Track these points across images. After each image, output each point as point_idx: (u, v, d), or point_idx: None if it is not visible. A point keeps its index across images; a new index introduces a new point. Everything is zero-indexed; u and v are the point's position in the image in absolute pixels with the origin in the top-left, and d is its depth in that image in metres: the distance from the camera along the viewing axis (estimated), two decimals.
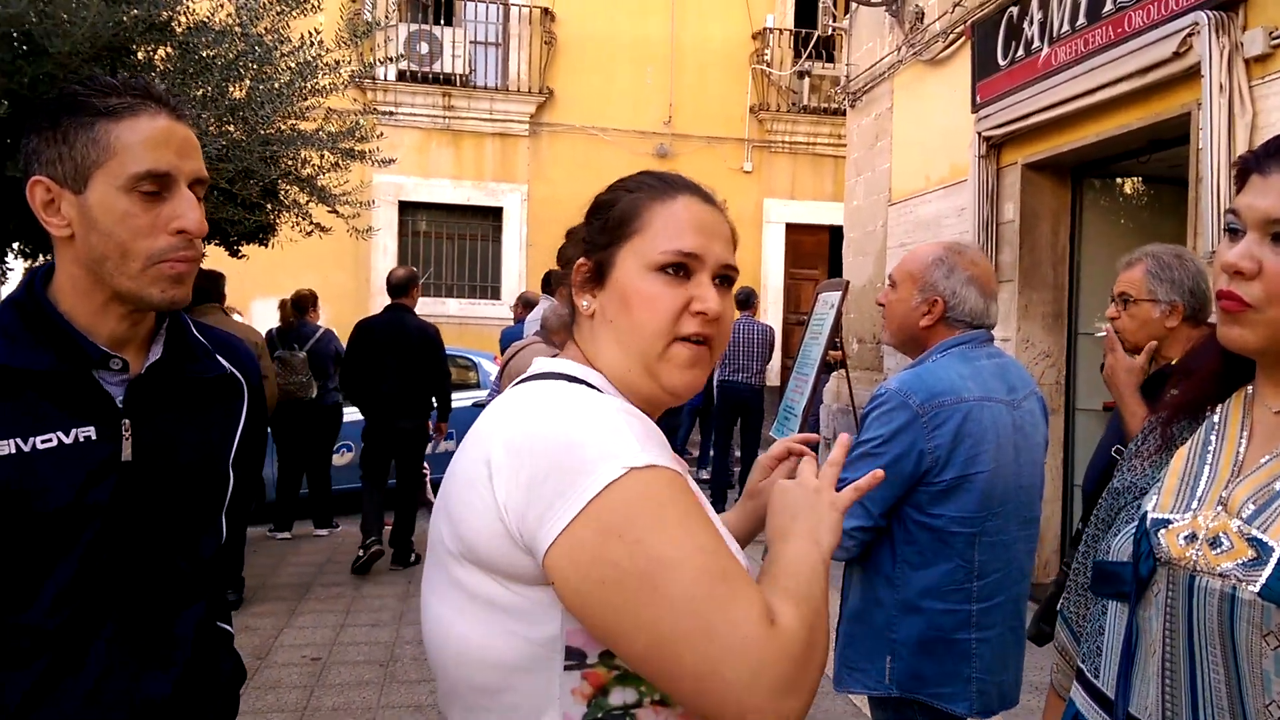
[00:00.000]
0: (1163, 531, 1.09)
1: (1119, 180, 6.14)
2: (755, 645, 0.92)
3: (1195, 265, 2.59)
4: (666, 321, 1.10)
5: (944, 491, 2.07)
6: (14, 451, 1.20)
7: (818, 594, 1.02)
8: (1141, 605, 1.10)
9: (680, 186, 1.17)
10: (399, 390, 6.22)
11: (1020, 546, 2.18)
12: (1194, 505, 1.11)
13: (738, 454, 8.94)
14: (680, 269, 1.11)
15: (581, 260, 1.17)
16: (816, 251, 13.89)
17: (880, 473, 1.18)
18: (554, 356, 1.19)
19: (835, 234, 11.80)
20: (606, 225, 1.16)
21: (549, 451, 0.97)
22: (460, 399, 7.61)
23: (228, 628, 1.49)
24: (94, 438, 1.25)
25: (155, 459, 1.29)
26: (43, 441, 1.22)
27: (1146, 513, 1.13)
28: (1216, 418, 1.17)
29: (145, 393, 1.31)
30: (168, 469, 1.31)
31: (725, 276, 1.15)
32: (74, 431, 1.23)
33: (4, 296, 1.35)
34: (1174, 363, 2.58)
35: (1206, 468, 1.13)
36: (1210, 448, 1.15)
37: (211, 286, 5.63)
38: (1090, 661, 1.20)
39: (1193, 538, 1.07)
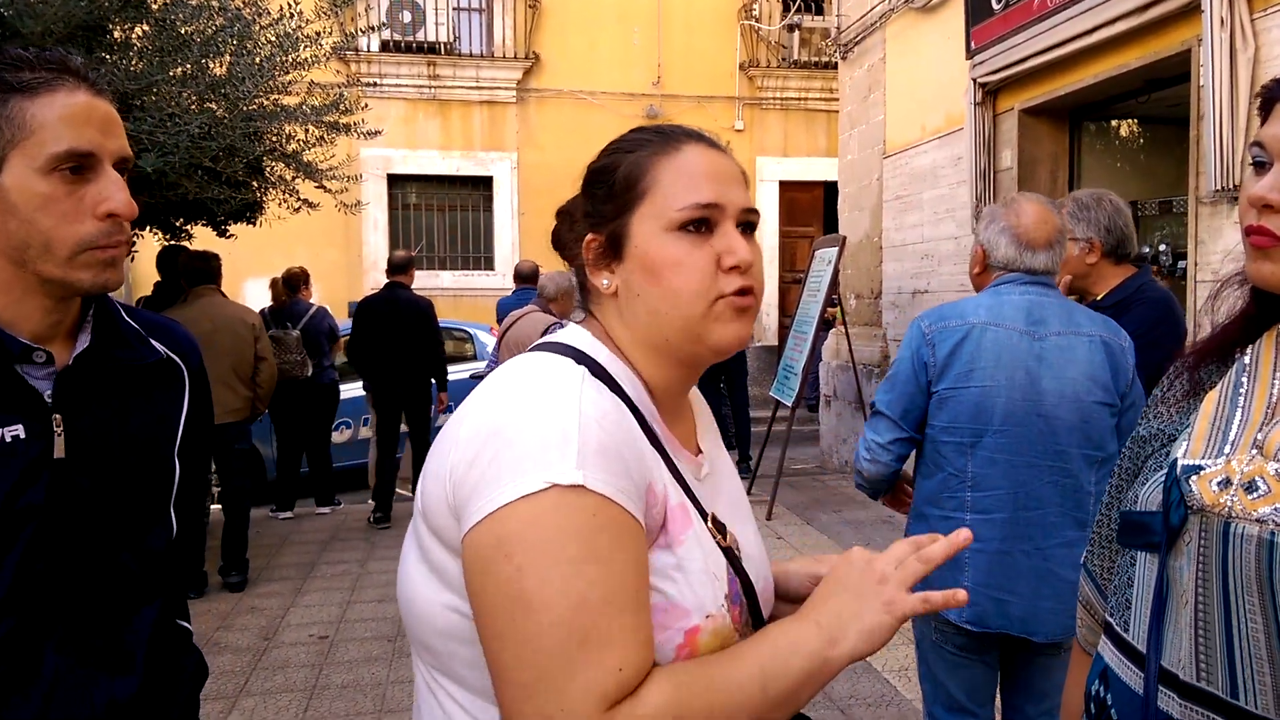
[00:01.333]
0: (1194, 478, 1.05)
1: (1117, 122, 6.07)
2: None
3: (1113, 205, 2.83)
4: (703, 283, 1.02)
5: (939, 402, 2.32)
6: None
7: (745, 701, 0.91)
8: (1172, 555, 1.06)
9: (682, 136, 1.08)
10: (400, 362, 6.70)
11: (1041, 476, 2.25)
12: (1226, 450, 1.06)
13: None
14: (702, 224, 1.03)
15: (591, 236, 1.08)
16: (811, 208, 13.80)
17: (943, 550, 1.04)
18: (555, 323, 1.13)
19: (830, 190, 11.73)
20: (612, 192, 1.06)
21: (491, 438, 0.93)
22: (457, 371, 7.70)
23: (186, 625, 1.44)
24: (22, 436, 1.17)
25: (91, 454, 1.22)
26: None
27: (1176, 460, 1.09)
28: (1247, 359, 1.12)
29: (75, 385, 1.23)
30: (105, 463, 1.24)
31: (748, 223, 1.07)
32: (1, 431, 1.16)
33: None
34: (1099, 298, 2.80)
35: (1239, 411, 1.08)
36: (1242, 390, 1.10)
37: (206, 267, 5.57)
38: (1119, 615, 1.16)
39: (1226, 483, 1.02)
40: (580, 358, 1.03)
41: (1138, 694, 1.08)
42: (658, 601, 0.96)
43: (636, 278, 1.05)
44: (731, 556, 1.05)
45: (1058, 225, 2.38)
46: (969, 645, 2.36)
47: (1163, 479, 1.09)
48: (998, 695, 2.49)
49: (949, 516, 2.28)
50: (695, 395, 1.22)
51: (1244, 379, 1.11)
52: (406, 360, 6.71)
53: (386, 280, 6.90)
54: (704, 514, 1.05)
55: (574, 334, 1.09)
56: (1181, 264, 5.61)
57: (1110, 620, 1.18)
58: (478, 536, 0.91)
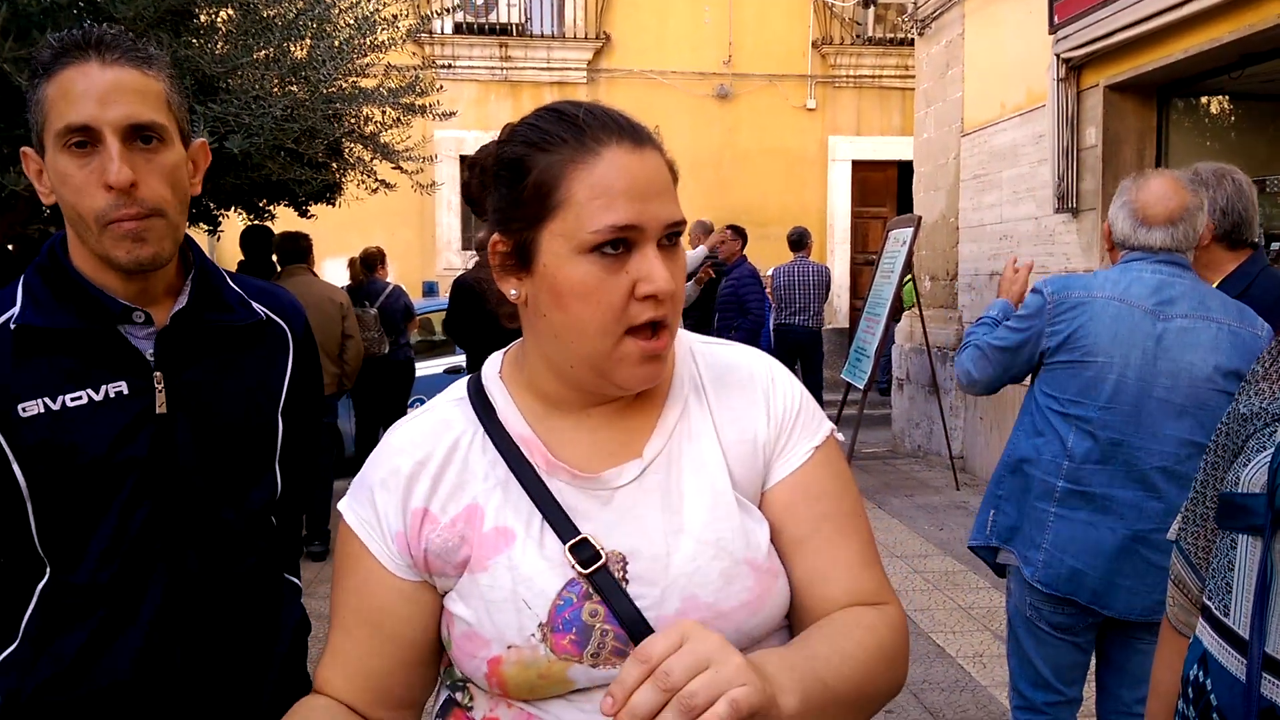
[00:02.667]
0: None
1: (1206, 99, 5.85)
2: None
3: (1235, 184, 2.55)
4: (612, 315, 0.93)
5: (1051, 370, 2.33)
6: (43, 411, 1.21)
7: None
8: (1278, 540, 1.03)
9: (600, 135, 0.95)
10: (485, 334, 6.71)
11: (1143, 458, 2.21)
12: None
13: None
14: (620, 244, 0.93)
15: (496, 237, 0.99)
16: (885, 188, 13.57)
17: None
18: None
19: (904, 169, 11.52)
20: (521, 199, 0.96)
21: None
22: (431, 366, 8.12)
23: (294, 580, 1.49)
24: (126, 393, 1.24)
25: (191, 410, 1.28)
26: (72, 399, 1.22)
27: None
28: None
29: (175, 344, 1.29)
30: (206, 419, 1.30)
31: (674, 234, 0.97)
32: (104, 388, 1.23)
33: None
34: (1214, 287, 2.49)
35: None
36: None
37: (297, 247, 5.79)
38: (1218, 599, 1.13)
39: None
40: (474, 380, 1.10)
41: (1239, 680, 1.05)
42: (461, 629, 0.99)
43: (544, 298, 0.96)
44: (601, 580, 0.95)
45: (1185, 202, 2.28)
46: (1062, 624, 2.34)
47: (1268, 460, 1.06)
48: (1091, 680, 2.45)
49: (1044, 479, 2.29)
50: (689, 374, 1.09)
51: None
52: (495, 337, 6.87)
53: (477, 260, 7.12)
54: (567, 535, 0.97)
55: (491, 362, 1.12)
56: (1276, 245, 5.41)
57: (1209, 604, 1.15)
58: None
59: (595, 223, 0.92)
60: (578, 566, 0.96)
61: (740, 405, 1.08)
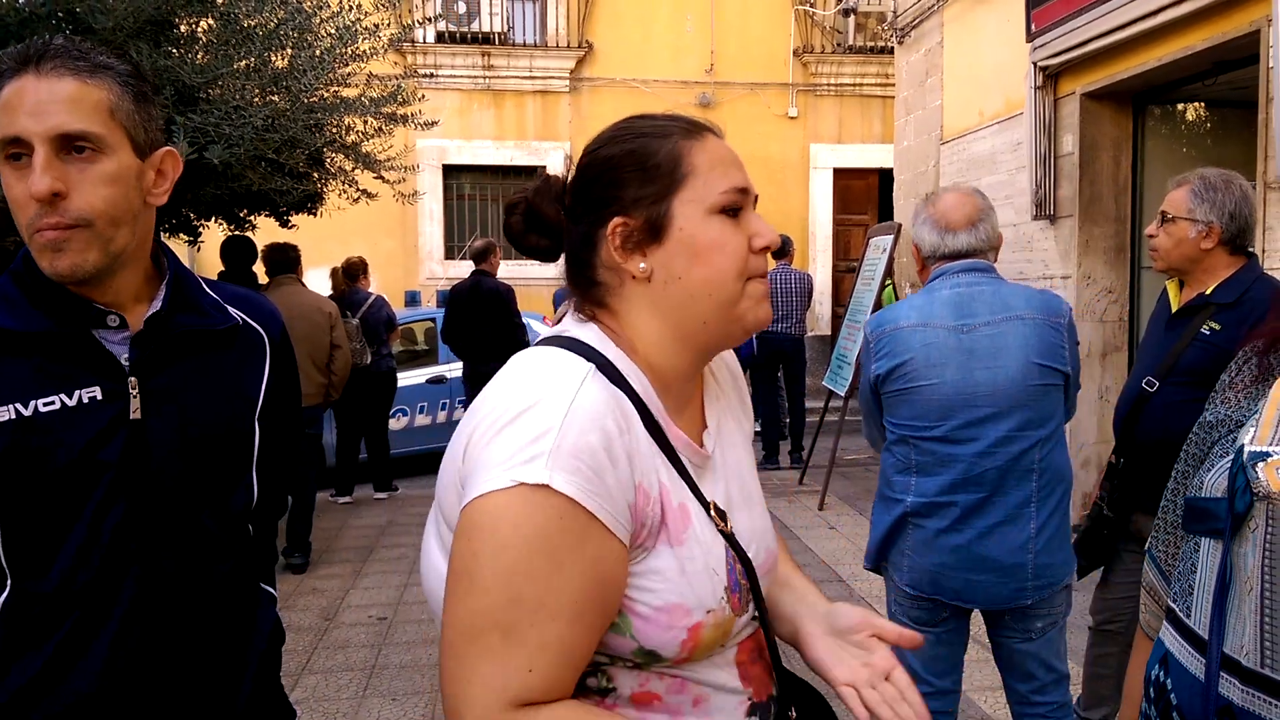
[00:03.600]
0: (1261, 465, 1.04)
1: (1182, 106, 5.91)
2: (480, 712, 0.92)
3: (1242, 190, 2.58)
4: (741, 262, 1.08)
5: (886, 399, 2.49)
6: (14, 417, 1.19)
7: None
8: (1237, 542, 1.05)
9: (701, 126, 1.13)
10: (479, 341, 7.09)
11: (981, 461, 2.37)
12: None
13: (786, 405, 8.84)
14: (735, 209, 1.09)
15: (621, 220, 1.07)
16: (866, 196, 13.64)
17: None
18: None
19: (885, 177, 11.58)
20: (654, 175, 1.07)
21: (489, 428, 0.99)
22: (414, 376, 8.20)
23: (270, 589, 1.47)
24: (99, 397, 1.23)
25: (166, 415, 1.27)
26: (45, 404, 1.21)
27: (1243, 446, 1.08)
28: None
29: (149, 348, 1.28)
30: (181, 424, 1.29)
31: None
32: (77, 393, 1.22)
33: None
34: (1209, 292, 2.52)
35: None
36: None
37: (286, 258, 5.80)
38: (1181, 600, 1.16)
39: None
40: (589, 353, 1.05)
41: (1198, 679, 1.07)
42: (662, 601, 1.00)
43: (679, 261, 1.07)
44: (733, 541, 1.09)
45: (978, 205, 2.46)
46: (920, 618, 2.48)
47: (1229, 465, 1.09)
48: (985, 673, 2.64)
49: (897, 498, 2.46)
50: (708, 366, 1.23)
51: None
52: (489, 344, 6.96)
53: (474, 268, 7.28)
54: (706, 504, 1.08)
55: (581, 330, 1.10)
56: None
57: (1173, 606, 1.17)
58: (460, 519, 0.98)
59: (722, 184, 1.08)
60: (722, 528, 1.09)
61: (734, 387, 1.28)
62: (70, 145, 1.19)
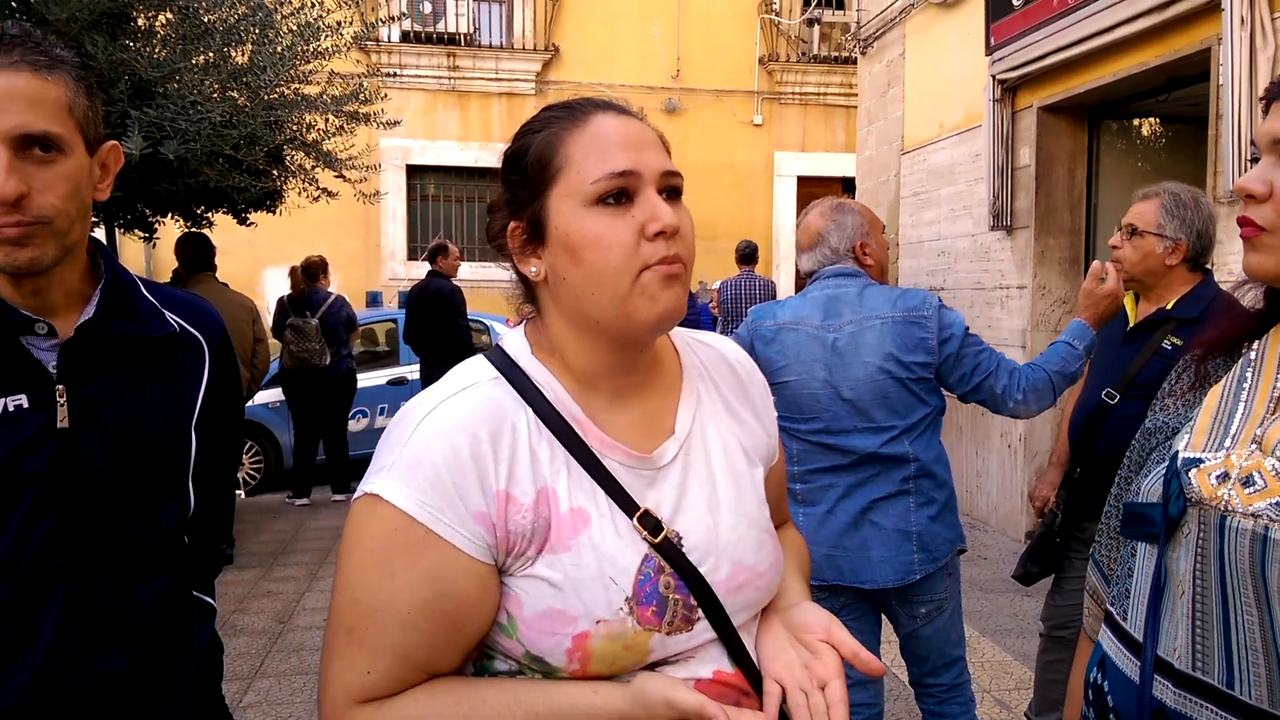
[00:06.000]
0: (1194, 471, 1.06)
1: (1136, 121, 6.02)
2: (331, 706, 0.98)
3: (1209, 210, 2.64)
4: (625, 257, 0.99)
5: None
6: None
7: None
8: (1171, 546, 1.07)
9: (589, 107, 1.05)
10: (431, 343, 7.05)
11: (855, 448, 2.51)
12: (1226, 444, 1.07)
13: None
14: (622, 195, 1.00)
15: (512, 224, 1.05)
16: None
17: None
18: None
19: (848, 186, 11.69)
20: (526, 175, 1.04)
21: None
22: (374, 377, 8.19)
23: (208, 599, 1.44)
24: (25, 406, 1.20)
25: (96, 424, 1.24)
26: None
27: (1178, 452, 1.10)
28: (1254, 354, 1.12)
29: (80, 356, 1.25)
30: (112, 433, 1.25)
31: (672, 189, 1.04)
32: (2, 401, 1.19)
33: None
34: (1170, 307, 2.57)
35: (1241, 405, 1.09)
36: (1245, 385, 1.10)
37: (200, 255, 5.76)
38: (1119, 604, 1.17)
39: (1225, 477, 1.03)
40: (503, 360, 1.06)
41: (1133, 681, 1.09)
42: (543, 607, 0.99)
43: (561, 261, 1.02)
44: (667, 551, 1.02)
45: (818, 228, 2.65)
46: (826, 604, 2.58)
47: (1164, 471, 1.10)
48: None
49: (790, 488, 2.55)
50: (694, 363, 1.18)
51: (1248, 373, 1.11)
52: (439, 346, 6.94)
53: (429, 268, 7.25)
54: (631, 510, 1.03)
55: (511, 334, 1.11)
56: (1209, 267, 5.58)
57: (1110, 609, 1.19)
58: None
59: (595, 173, 1.00)
60: (648, 537, 1.02)
61: (740, 395, 1.20)
62: (31, 144, 1.17)
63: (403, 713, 0.97)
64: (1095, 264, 2.61)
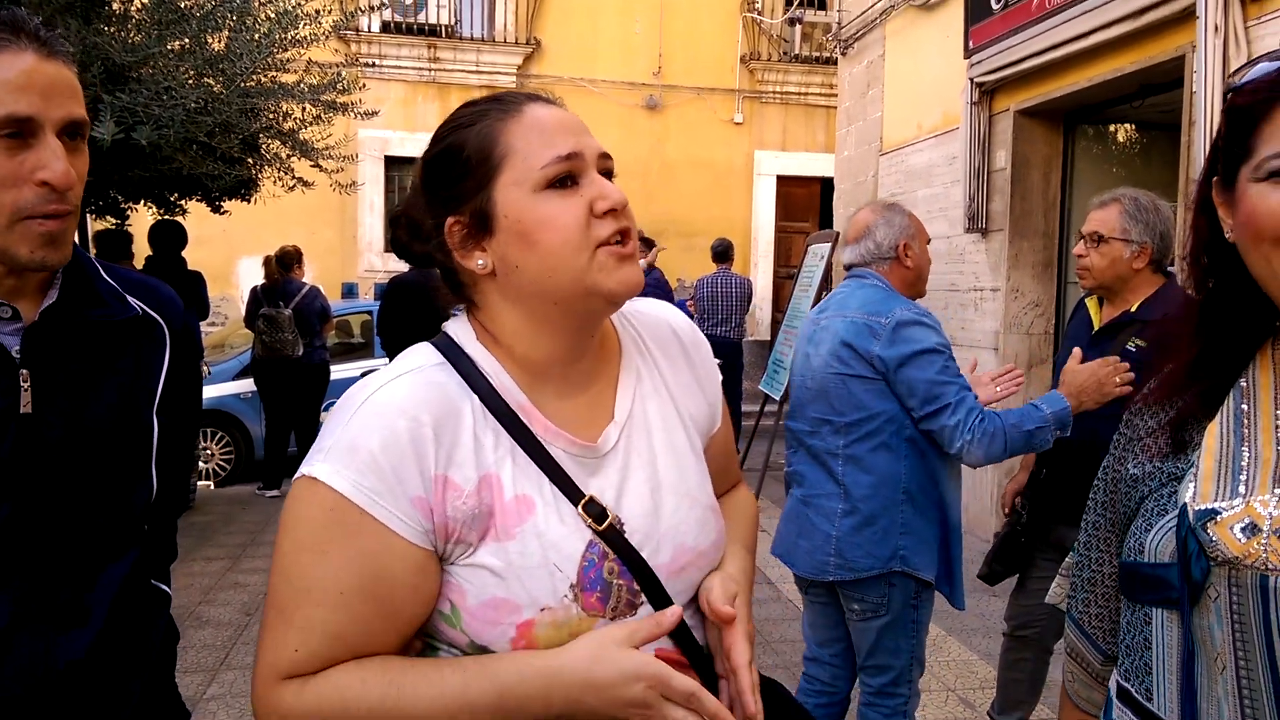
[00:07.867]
0: (1212, 525, 0.93)
1: (1111, 126, 6.07)
2: (260, 681, 0.99)
3: (1167, 212, 2.70)
4: (579, 232, 1.01)
5: None
6: None
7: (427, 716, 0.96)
8: (1197, 614, 0.93)
9: (519, 98, 1.07)
10: (402, 335, 6.81)
11: (806, 437, 2.64)
12: (1241, 490, 0.93)
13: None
14: (567, 178, 1.02)
15: (452, 219, 1.05)
16: (808, 204, 13.79)
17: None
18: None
19: (827, 186, 11.72)
20: (467, 168, 1.04)
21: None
22: (348, 369, 7.96)
23: (164, 588, 1.43)
24: None
25: (61, 409, 1.22)
26: None
27: (1186, 504, 0.96)
28: (1244, 383, 0.99)
29: (43, 341, 1.23)
30: (76, 419, 1.24)
31: (608, 170, 1.06)
32: None
33: None
34: (1134, 309, 2.61)
35: (1245, 446, 0.96)
36: (1244, 420, 0.97)
37: (118, 245, 5.79)
38: (1138, 680, 1.02)
39: (1253, 529, 0.90)
40: (448, 346, 1.07)
41: None
42: (487, 596, 0.99)
43: (512, 249, 1.03)
44: (611, 538, 1.03)
45: (866, 222, 2.67)
46: (798, 580, 2.76)
47: (1173, 526, 0.97)
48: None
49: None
50: (631, 337, 1.18)
51: (1244, 406, 0.98)
52: (402, 338, 6.79)
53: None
54: (576, 498, 1.04)
55: (455, 324, 1.11)
56: (1171, 269, 5.63)
57: (1128, 687, 1.04)
58: None
59: (542, 158, 1.02)
60: (592, 524, 1.03)
61: (681, 363, 1.21)
62: (76, 133, 1.18)
63: (328, 682, 0.97)
64: (1076, 350, 2.60)
